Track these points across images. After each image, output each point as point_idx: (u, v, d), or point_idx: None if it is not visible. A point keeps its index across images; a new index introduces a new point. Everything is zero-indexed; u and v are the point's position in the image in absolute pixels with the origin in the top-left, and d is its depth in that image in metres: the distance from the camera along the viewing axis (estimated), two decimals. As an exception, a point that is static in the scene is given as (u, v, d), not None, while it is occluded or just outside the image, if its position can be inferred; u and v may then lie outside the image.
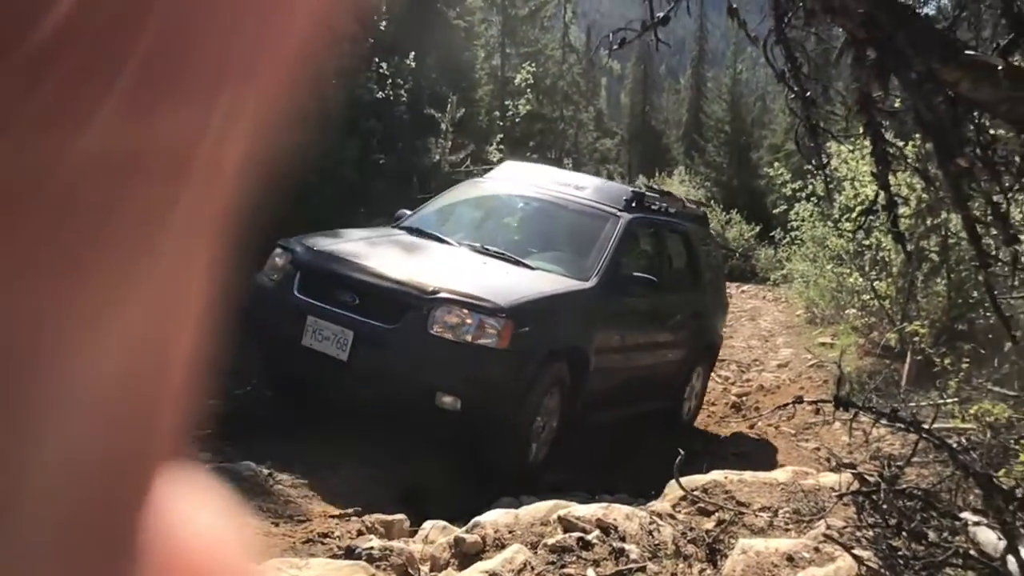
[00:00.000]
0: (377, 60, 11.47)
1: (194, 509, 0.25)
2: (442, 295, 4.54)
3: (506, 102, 20.46)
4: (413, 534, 3.64)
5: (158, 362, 0.20)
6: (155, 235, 0.19)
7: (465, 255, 5.39)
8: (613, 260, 5.60)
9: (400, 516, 3.70)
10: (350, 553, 3.00)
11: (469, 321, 4.49)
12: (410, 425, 4.76)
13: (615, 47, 3.25)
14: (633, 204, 6.10)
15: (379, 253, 5.06)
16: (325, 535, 3.31)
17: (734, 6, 2.75)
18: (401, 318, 4.51)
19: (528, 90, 19.41)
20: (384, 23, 12.42)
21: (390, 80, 11.24)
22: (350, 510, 3.65)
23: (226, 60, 0.19)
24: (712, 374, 8.40)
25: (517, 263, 5.32)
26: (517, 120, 19.65)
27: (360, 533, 3.39)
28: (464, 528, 3.36)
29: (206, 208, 0.20)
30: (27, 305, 0.18)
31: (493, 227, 6.02)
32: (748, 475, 4.41)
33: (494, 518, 3.43)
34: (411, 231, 5.76)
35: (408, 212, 6.25)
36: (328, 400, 4.91)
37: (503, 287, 4.81)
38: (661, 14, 2.82)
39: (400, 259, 5.03)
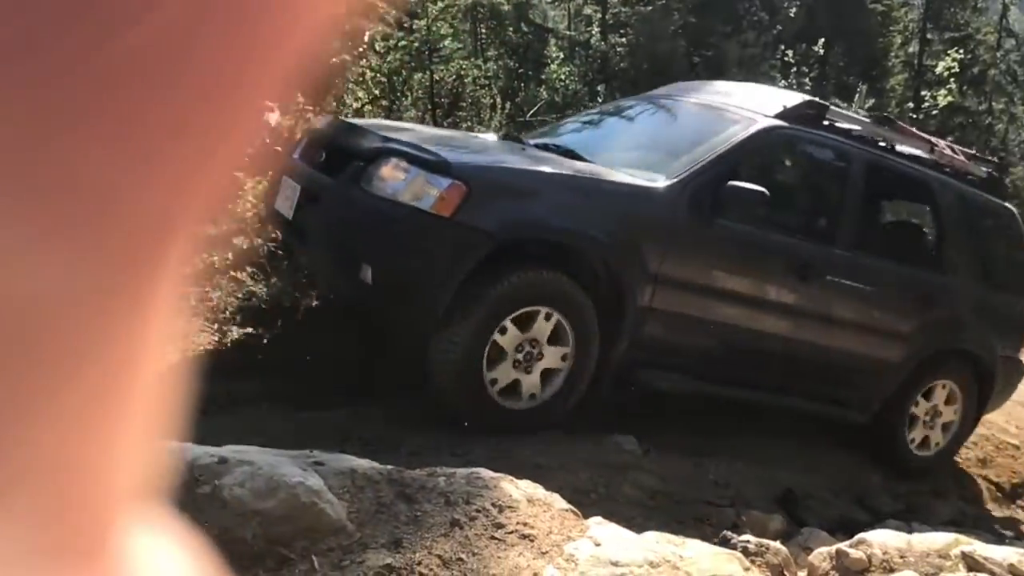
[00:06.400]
0: (783, 47, 11.11)
1: (156, 556, 0.23)
2: (392, 146, 3.61)
3: (922, 92, 18.60)
4: (787, 537, 3.50)
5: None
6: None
7: (510, 146, 4.33)
8: (714, 167, 3.99)
9: (776, 516, 3.58)
10: (725, 542, 2.96)
11: (405, 175, 3.47)
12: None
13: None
14: (795, 114, 4.43)
15: (403, 131, 4.13)
16: (699, 520, 3.32)
17: None
18: (342, 170, 3.66)
19: (951, 80, 17.46)
20: (794, 10, 11.96)
21: (795, 68, 10.80)
22: (725, 500, 3.61)
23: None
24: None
25: (577, 158, 4.13)
26: (934, 113, 17.77)
27: (734, 525, 3.34)
28: (848, 542, 3.15)
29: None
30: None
31: (589, 131, 4.94)
32: None
33: (882, 539, 3.16)
34: (501, 137, 4.95)
35: None
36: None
37: (486, 155, 3.85)
38: None
39: (416, 137, 3.94)
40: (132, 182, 0.17)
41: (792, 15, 10.77)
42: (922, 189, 5.09)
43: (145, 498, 0.21)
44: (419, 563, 2.05)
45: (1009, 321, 5.36)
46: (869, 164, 4.64)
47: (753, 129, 4.22)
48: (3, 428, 0.16)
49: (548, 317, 3.59)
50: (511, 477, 2.57)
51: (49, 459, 0.17)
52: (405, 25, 9.09)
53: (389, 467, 2.48)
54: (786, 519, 3.81)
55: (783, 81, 10.61)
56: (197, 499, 2.06)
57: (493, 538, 2.23)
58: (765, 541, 3.08)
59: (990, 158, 6.13)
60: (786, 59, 10.84)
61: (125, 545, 0.20)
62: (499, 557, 2.18)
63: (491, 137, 4.95)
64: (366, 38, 8.50)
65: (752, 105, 4.49)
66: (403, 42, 8.87)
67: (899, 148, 4.87)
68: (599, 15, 12.65)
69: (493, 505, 2.35)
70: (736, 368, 4.24)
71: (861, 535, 3.21)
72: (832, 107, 4.75)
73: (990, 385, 5.21)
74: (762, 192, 3.88)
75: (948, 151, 5.19)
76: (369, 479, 2.35)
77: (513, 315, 3.50)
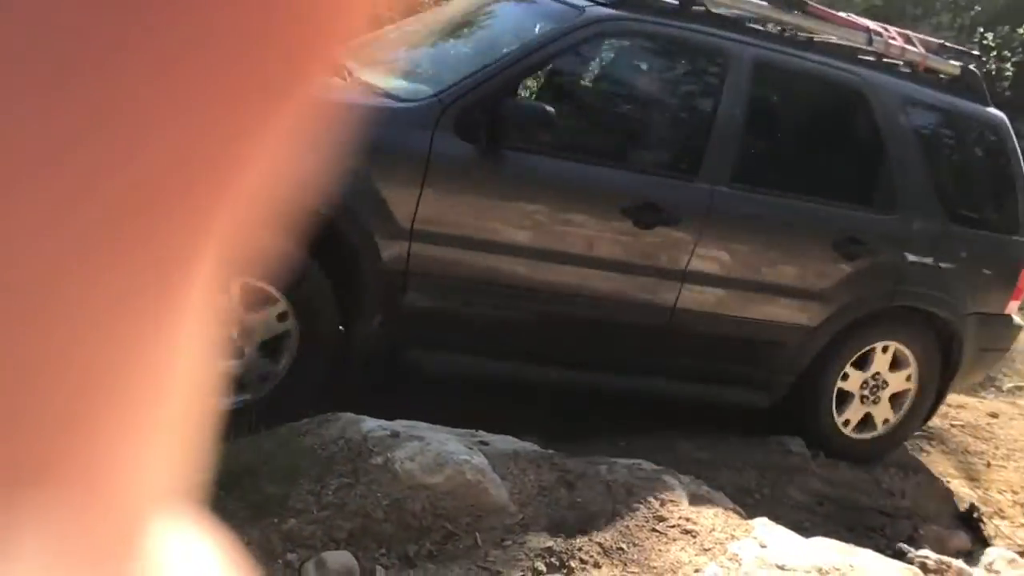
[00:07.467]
0: (982, 31, 10.29)
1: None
2: None
3: None
4: (969, 556, 3.27)
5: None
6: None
7: None
8: (494, 79, 2.95)
9: (959, 532, 3.35)
10: (900, 555, 2.80)
11: None
12: None
13: None
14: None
15: None
16: (872, 529, 3.15)
17: None
18: None
19: None
20: (996, -12, 11.08)
21: (995, 52, 9.98)
22: (901, 511, 3.41)
23: None
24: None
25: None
26: None
27: (910, 538, 3.15)
28: (1042, 567, 2.90)
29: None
30: None
31: (411, 38, 3.74)
32: None
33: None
34: None
35: None
36: None
37: None
38: None
39: None
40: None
41: (994, -6, 9.95)
42: (848, 93, 3.70)
43: (178, 497, 0.20)
44: (579, 549, 2.07)
45: (989, 267, 3.94)
46: (759, 64, 3.41)
47: (568, 24, 3.13)
48: (29, 425, 0.16)
49: (254, 289, 2.67)
50: (673, 471, 2.54)
51: (78, 458, 0.17)
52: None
53: (551, 451, 2.51)
54: (970, 537, 3.55)
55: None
56: (369, 469, 2.17)
57: (654, 531, 2.21)
58: (945, 558, 2.89)
59: (971, 51, 4.32)
60: (985, 42, 10.03)
61: (155, 545, 0.19)
62: (660, 550, 2.15)
63: None
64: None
65: None
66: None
67: (816, 41, 3.61)
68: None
69: (655, 498, 2.32)
70: (544, 344, 3.23)
71: (1058, 561, 2.95)
72: None
73: (958, 349, 3.90)
74: (543, 110, 2.96)
75: (899, 41, 3.79)
76: (531, 462, 2.39)
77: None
